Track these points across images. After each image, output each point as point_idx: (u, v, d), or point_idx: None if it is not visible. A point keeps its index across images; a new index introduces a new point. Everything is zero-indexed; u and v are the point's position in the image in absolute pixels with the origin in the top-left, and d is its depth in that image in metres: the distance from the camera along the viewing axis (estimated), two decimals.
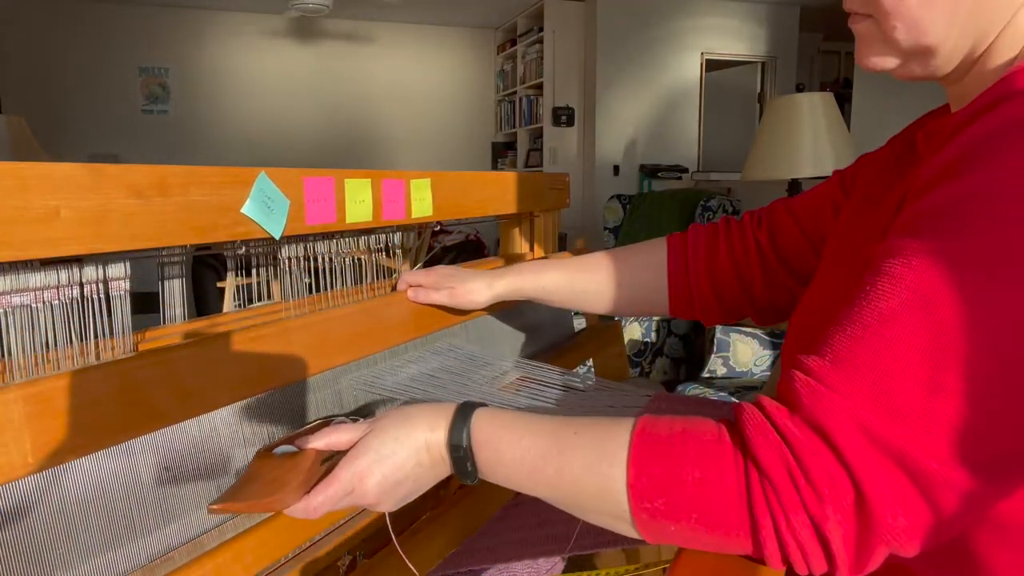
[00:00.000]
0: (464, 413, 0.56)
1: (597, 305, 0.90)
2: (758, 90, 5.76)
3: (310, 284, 0.84)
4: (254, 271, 0.84)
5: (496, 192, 1.13)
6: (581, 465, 0.51)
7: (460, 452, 0.55)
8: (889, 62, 0.57)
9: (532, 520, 0.94)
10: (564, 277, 0.89)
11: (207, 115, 5.65)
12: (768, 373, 2.53)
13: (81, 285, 0.59)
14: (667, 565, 0.54)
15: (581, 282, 0.89)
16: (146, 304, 0.84)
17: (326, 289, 0.83)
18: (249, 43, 5.71)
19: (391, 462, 0.55)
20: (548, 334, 1.21)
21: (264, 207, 0.70)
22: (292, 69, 5.83)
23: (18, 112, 4.11)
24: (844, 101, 3.80)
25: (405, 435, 0.56)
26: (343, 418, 0.63)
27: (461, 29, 6.26)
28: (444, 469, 0.57)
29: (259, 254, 0.82)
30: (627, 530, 0.50)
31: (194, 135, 5.61)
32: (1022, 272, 0.41)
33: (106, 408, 0.52)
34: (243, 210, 0.68)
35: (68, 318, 0.58)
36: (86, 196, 0.55)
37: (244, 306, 0.91)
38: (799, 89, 2.60)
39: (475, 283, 0.88)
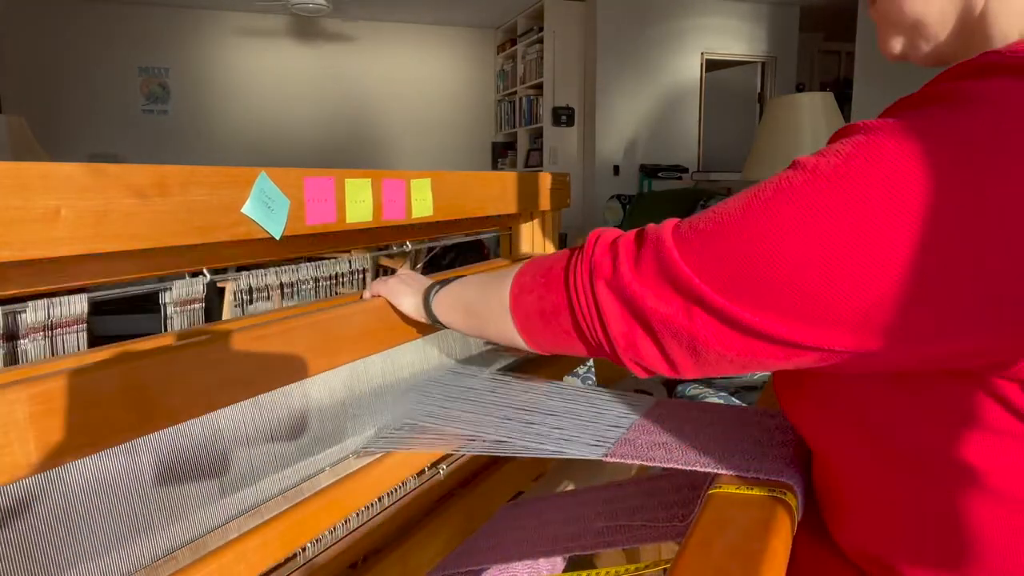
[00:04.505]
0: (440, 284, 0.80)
1: None
2: (758, 90, 5.75)
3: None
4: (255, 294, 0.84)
5: (496, 192, 1.13)
6: (498, 276, 0.69)
7: (431, 294, 0.78)
8: (897, 43, 0.59)
9: (532, 520, 0.94)
10: None
11: (207, 115, 5.65)
12: (768, 373, 2.53)
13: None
14: (667, 565, 0.55)
15: None
16: (146, 304, 0.85)
17: (327, 289, 0.83)
18: (249, 43, 5.71)
19: (404, 279, 0.84)
20: None
21: (264, 207, 0.70)
22: (292, 69, 5.83)
23: (18, 112, 4.11)
24: (844, 101, 3.80)
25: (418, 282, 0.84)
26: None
27: (461, 29, 6.26)
28: (428, 284, 0.81)
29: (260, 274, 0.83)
30: (506, 320, 0.65)
31: (194, 135, 5.61)
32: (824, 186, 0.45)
33: (109, 407, 0.52)
34: (243, 210, 0.68)
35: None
36: (86, 196, 0.55)
37: (244, 307, 0.91)
38: (799, 89, 2.60)
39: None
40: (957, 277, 0.42)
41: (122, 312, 3.91)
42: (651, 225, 0.55)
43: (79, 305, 0.69)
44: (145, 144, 5.45)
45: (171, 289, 0.78)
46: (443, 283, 0.78)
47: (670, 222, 0.54)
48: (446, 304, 0.76)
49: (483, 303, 0.70)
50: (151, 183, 0.60)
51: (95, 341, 0.71)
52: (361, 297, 0.85)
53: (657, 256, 0.52)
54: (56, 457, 0.48)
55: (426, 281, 0.82)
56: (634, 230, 0.57)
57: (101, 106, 5.36)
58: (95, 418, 0.50)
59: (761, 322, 0.48)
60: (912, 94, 0.50)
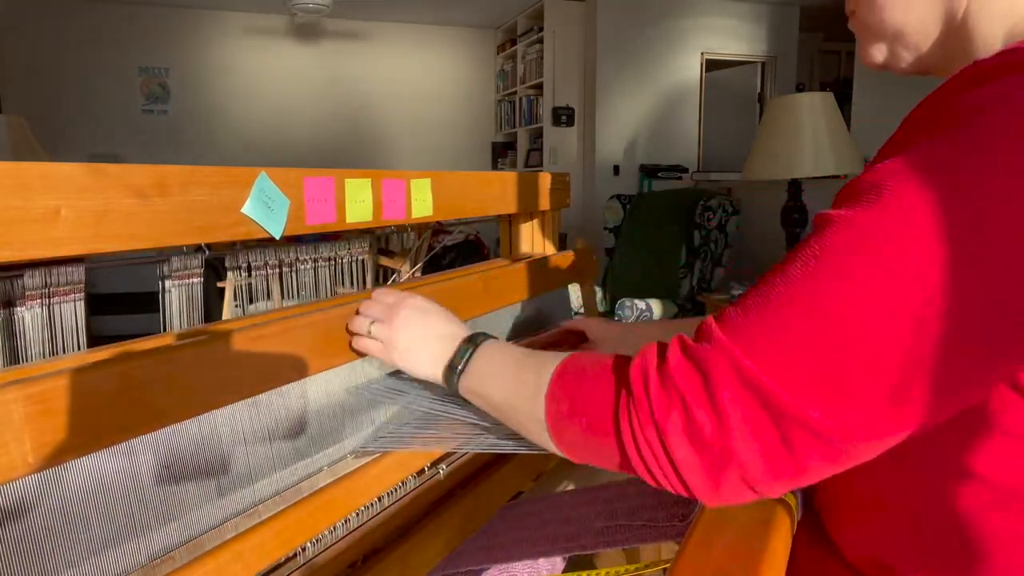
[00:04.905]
0: (487, 334, 0.69)
1: None
2: (758, 90, 5.75)
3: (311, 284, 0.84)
4: (254, 271, 0.84)
5: (496, 192, 1.13)
6: (528, 369, 0.61)
7: (470, 347, 0.67)
8: (878, 52, 0.59)
9: (532, 520, 0.94)
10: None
11: (207, 115, 5.65)
12: None
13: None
14: (667, 565, 0.54)
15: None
16: (146, 304, 0.85)
17: (326, 289, 0.83)
18: (249, 43, 5.71)
19: (432, 310, 0.72)
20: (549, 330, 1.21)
21: (264, 207, 0.70)
22: (292, 69, 5.82)
23: (18, 112, 4.11)
24: (844, 101, 3.80)
25: (450, 317, 0.72)
26: None
27: (461, 29, 6.26)
28: (447, 351, 0.69)
29: (259, 251, 0.82)
30: (544, 437, 0.58)
31: (194, 135, 5.61)
32: (891, 242, 0.43)
33: (106, 408, 0.52)
34: (243, 210, 0.68)
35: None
36: (86, 196, 0.55)
37: (244, 306, 0.91)
38: (799, 89, 2.58)
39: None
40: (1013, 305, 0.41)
41: (122, 312, 3.92)
42: (699, 348, 0.49)
43: (76, 273, 0.69)
44: (145, 144, 5.44)
45: (169, 262, 0.78)
46: (465, 358, 0.67)
47: (717, 335, 0.48)
48: (469, 392, 0.67)
49: (514, 411, 0.62)
50: (151, 183, 0.60)
51: (95, 341, 0.71)
52: (355, 315, 0.74)
53: (746, 385, 0.45)
54: (53, 457, 0.48)
55: (439, 350, 0.69)
56: (675, 351, 0.50)
57: (101, 106, 5.35)
58: (92, 418, 0.50)
59: (875, 429, 0.44)
60: (921, 113, 0.49)
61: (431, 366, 0.69)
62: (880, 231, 0.43)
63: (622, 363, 0.55)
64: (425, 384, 0.83)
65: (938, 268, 0.41)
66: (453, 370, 0.67)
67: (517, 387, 0.61)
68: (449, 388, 0.68)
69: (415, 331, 0.70)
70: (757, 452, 0.46)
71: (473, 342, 0.68)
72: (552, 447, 0.59)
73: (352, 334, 0.73)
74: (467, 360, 0.67)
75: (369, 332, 0.72)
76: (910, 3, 0.54)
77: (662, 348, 0.52)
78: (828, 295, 0.44)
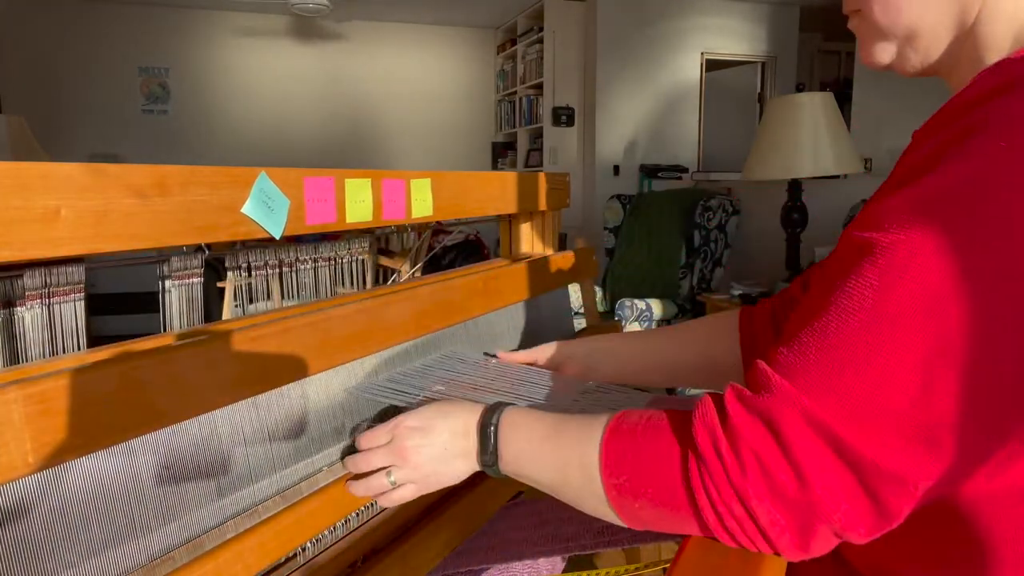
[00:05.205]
0: (499, 405, 0.65)
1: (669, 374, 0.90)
2: (758, 90, 5.75)
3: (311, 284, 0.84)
4: (254, 271, 0.84)
5: (496, 192, 1.13)
6: (569, 442, 0.57)
7: (490, 428, 0.63)
8: (885, 52, 0.58)
9: (532, 520, 0.94)
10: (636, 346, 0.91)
11: (207, 115, 5.65)
12: None
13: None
14: (667, 565, 0.55)
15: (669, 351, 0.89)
16: (146, 304, 0.85)
17: (326, 289, 0.83)
18: (249, 43, 5.71)
19: (429, 419, 0.66)
20: (548, 334, 1.21)
21: (264, 207, 0.70)
22: (292, 69, 5.82)
23: (18, 112, 4.11)
24: (844, 101, 3.80)
25: (448, 410, 0.67)
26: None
27: (461, 29, 6.26)
28: (471, 444, 0.64)
29: (259, 251, 0.82)
30: (607, 512, 0.55)
31: (194, 135, 5.61)
32: (960, 265, 0.42)
33: (106, 408, 0.52)
34: (243, 210, 0.68)
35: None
36: (86, 196, 0.55)
37: (244, 306, 0.91)
38: (799, 89, 2.58)
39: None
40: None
41: (122, 312, 3.92)
42: (760, 399, 0.47)
43: (76, 273, 0.69)
44: (145, 144, 5.44)
45: (169, 262, 0.78)
46: (490, 447, 0.63)
47: (777, 383, 0.46)
48: (514, 475, 0.63)
49: (567, 489, 0.58)
50: (151, 183, 0.60)
51: (95, 341, 0.71)
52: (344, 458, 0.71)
53: (819, 434, 0.44)
54: (53, 457, 0.48)
55: (462, 448, 0.65)
56: (733, 404, 0.48)
57: (101, 106, 5.36)
58: (92, 418, 0.50)
59: (951, 466, 0.44)
60: (936, 130, 0.48)
61: (467, 465, 0.65)
62: (924, 264, 0.43)
63: (680, 423, 0.51)
64: (424, 383, 0.83)
65: (978, 301, 0.42)
66: (488, 465, 0.63)
67: (561, 464, 0.58)
68: (497, 476, 0.64)
69: (432, 451, 0.65)
70: (842, 502, 0.44)
71: (489, 423, 0.63)
72: (613, 519, 0.55)
73: (377, 495, 0.68)
74: (493, 447, 0.62)
75: (394, 484, 0.66)
76: (927, 4, 0.54)
77: (718, 401, 0.49)
78: (887, 333, 0.43)
